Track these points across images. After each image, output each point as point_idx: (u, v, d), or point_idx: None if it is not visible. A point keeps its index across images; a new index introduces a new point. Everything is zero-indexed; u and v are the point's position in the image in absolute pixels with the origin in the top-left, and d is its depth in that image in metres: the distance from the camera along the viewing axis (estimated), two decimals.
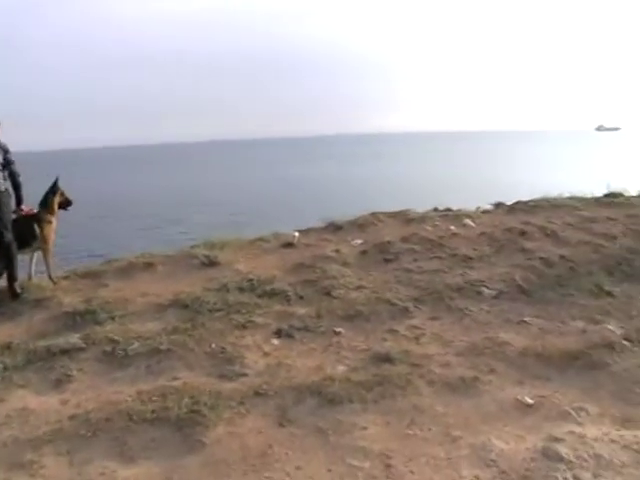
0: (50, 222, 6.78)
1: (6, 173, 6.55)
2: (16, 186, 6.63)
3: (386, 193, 36.38)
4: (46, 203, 6.82)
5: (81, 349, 5.08)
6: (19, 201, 6.70)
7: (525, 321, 5.37)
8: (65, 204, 6.99)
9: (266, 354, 4.88)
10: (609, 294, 5.90)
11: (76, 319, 5.71)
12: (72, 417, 4.09)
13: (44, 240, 6.70)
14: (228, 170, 74.91)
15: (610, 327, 5.13)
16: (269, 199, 38.72)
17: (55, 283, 6.69)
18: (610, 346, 4.76)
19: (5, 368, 4.85)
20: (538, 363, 4.63)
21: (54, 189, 6.92)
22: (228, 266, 6.83)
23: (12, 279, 6.43)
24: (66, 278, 6.88)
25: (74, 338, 5.21)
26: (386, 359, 4.62)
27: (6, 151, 6.56)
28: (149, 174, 74.77)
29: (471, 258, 6.77)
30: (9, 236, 6.40)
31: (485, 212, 9.03)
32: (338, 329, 5.23)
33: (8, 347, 5.22)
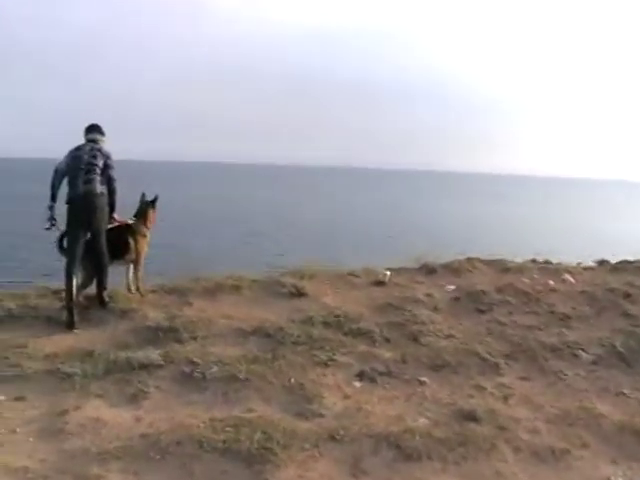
0: (145, 236, 6.93)
1: (104, 177, 6.61)
2: (111, 191, 6.68)
3: (488, 234, 35.71)
4: (143, 215, 6.98)
5: (160, 366, 5.09)
6: (112, 207, 6.74)
7: (624, 393, 5.00)
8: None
9: (346, 396, 4.73)
10: None
11: (158, 335, 5.74)
12: (143, 436, 4.08)
13: (138, 253, 6.82)
14: (330, 196, 75.53)
15: None
16: (367, 229, 38.62)
17: (143, 295, 6.79)
18: None
19: (85, 375, 4.92)
20: (636, 442, 4.29)
21: (154, 203, 7.09)
22: (315, 298, 6.73)
23: (101, 287, 6.51)
24: (153, 292, 6.96)
25: (154, 354, 5.22)
26: (471, 417, 4.39)
27: (107, 157, 6.66)
28: (249, 192, 76.31)
29: (569, 317, 6.40)
30: (102, 242, 6.48)
31: (587, 268, 8.56)
32: (423, 378, 5.03)
33: (90, 355, 5.30)
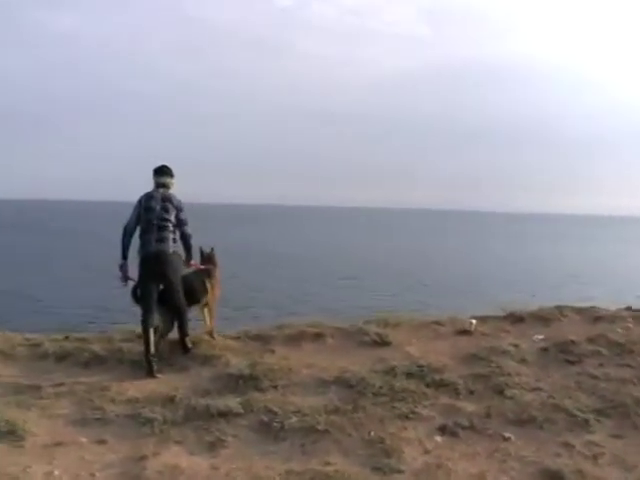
0: (217, 279, 7.16)
1: (177, 234, 6.61)
2: (187, 248, 6.76)
3: (577, 279, 34.50)
4: (212, 261, 7.21)
5: (239, 414, 5.17)
6: (188, 257, 6.84)
7: None
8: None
9: (426, 451, 4.63)
10: None
11: (239, 382, 5.84)
12: None
13: (213, 296, 7.04)
14: (417, 238, 75.11)
15: None
16: (457, 275, 38.03)
17: (214, 339, 6.96)
18: None
19: (164, 421, 5.07)
20: None
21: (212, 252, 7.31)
22: (399, 347, 6.67)
23: (183, 334, 6.62)
24: (237, 339, 7.10)
25: (234, 402, 5.31)
26: (557, 477, 4.20)
27: (179, 209, 6.60)
28: (345, 236, 76.80)
29: None
30: (178, 293, 6.56)
31: None
32: (507, 434, 4.85)
33: (171, 400, 5.46)
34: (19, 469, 4.40)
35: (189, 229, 6.69)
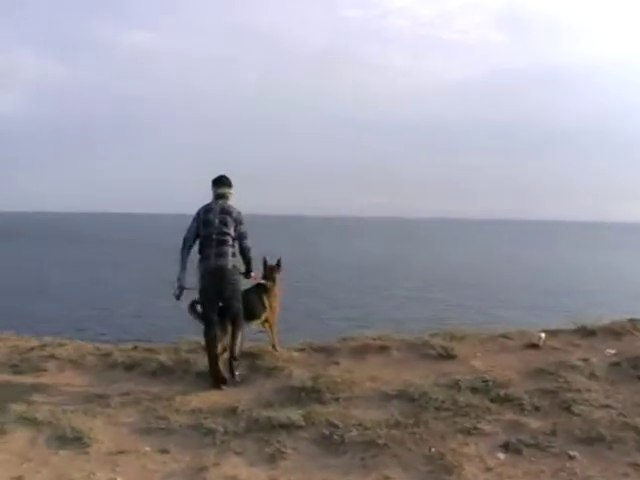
0: (276, 294, 7.15)
1: (236, 247, 6.52)
2: (247, 261, 6.66)
3: None
4: (272, 276, 7.17)
5: (300, 427, 5.21)
6: (248, 271, 6.75)
7: None
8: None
9: (488, 469, 4.54)
10: None
11: (301, 395, 5.89)
12: None
13: (272, 312, 7.08)
14: (489, 249, 73.88)
15: None
16: (530, 287, 37.26)
17: (277, 351, 6.99)
18: None
19: (226, 432, 5.16)
20: None
21: (279, 265, 7.27)
22: (464, 361, 6.57)
23: (231, 355, 6.47)
24: (301, 350, 7.13)
25: (296, 414, 5.35)
26: None
27: (239, 222, 6.49)
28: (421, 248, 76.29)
29: None
30: (237, 310, 6.50)
31: None
32: (573, 452, 4.69)
33: (233, 411, 5.56)
34: (83, 475, 4.62)
35: (249, 242, 6.60)
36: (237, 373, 6.45)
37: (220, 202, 6.59)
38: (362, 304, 30.05)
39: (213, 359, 6.33)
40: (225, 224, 6.45)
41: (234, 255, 6.51)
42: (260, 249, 6.90)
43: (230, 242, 6.46)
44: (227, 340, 6.58)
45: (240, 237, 6.53)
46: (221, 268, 6.40)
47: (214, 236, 6.40)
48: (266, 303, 7.02)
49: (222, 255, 6.41)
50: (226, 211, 6.51)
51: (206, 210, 6.56)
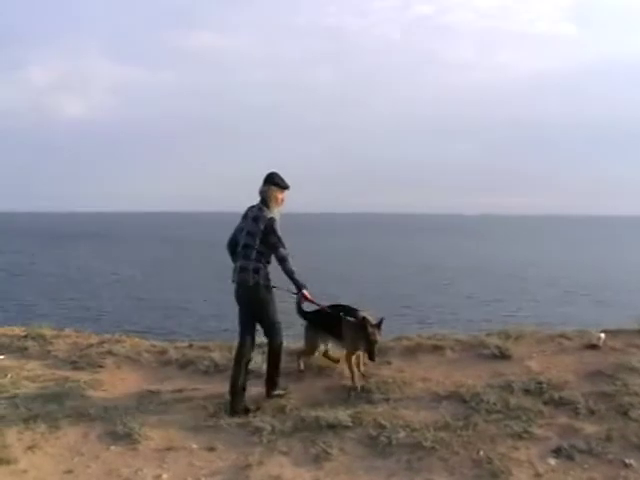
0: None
1: (265, 260, 5.86)
2: (287, 275, 5.81)
3: None
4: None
5: (347, 427, 5.19)
6: (298, 289, 5.92)
7: None
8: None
9: (537, 474, 4.43)
10: None
11: (350, 394, 5.86)
12: None
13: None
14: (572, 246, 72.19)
15: None
16: (598, 284, 36.20)
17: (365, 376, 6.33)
18: None
19: (273, 431, 5.17)
20: None
21: (379, 326, 6.10)
22: (519, 361, 6.38)
23: (269, 380, 6.06)
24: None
25: (344, 414, 5.33)
26: None
27: (266, 232, 5.79)
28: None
29: None
30: (272, 331, 5.96)
31: None
32: (629, 460, 4.50)
33: (282, 410, 5.59)
34: (131, 471, 4.75)
35: (283, 251, 5.77)
36: (275, 393, 6.01)
37: (257, 205, 5.95)
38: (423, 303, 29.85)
39: (233, 385, 5.86)
40: (252, 234, 5.84)
41: (257, 271, 5.82)
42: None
43: (254, 256, 5.80)
44: (308, 348, 6.54)
45: (272, 248, 5.79)
46: (241, 284, 5.91)
47: (239, 248, 5.91)
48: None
49: (243, 270, 5.85)
50: (257, 217, 5.84)
51: (245, 214, 6.04)
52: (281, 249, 5.77)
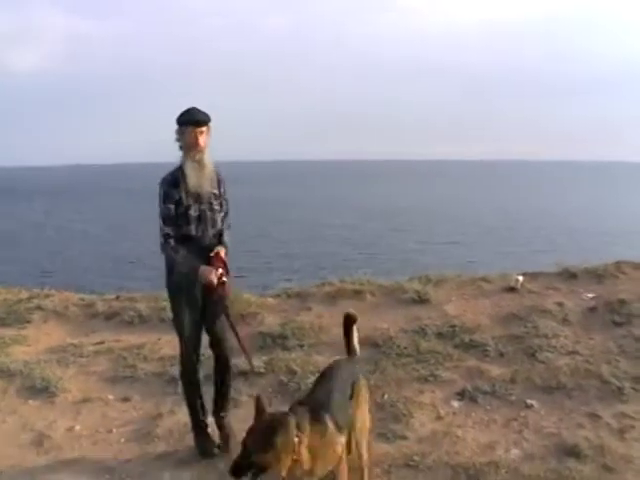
0: None
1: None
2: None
3: None
4: None
5: (260, 374, 5.12)
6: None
7: None
8: None
9: (439, 417, 4.42)
10: None
11: (267, 341, 5.79)
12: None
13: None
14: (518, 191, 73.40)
15: None
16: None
17: None
18: None
19: None
20: None
21: None
22: (437, 306, 6.36)
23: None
24: (276, 297, 6.96)
25: (258, 361, 5.22)
26: (573, 453, 3.87)
27: (226, 200, 4.21)
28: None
29: None
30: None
31: None
32: (531, 401, 4.53)
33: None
34: (45, 424, 4.67)
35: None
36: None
37: None
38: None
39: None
40: None
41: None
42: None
43: None
44: None
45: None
46: None
47: None
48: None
49: None
50: None
51: None
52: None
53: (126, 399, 5.03)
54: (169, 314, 6.39)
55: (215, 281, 3.90)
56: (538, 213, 46.45)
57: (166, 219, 3.94)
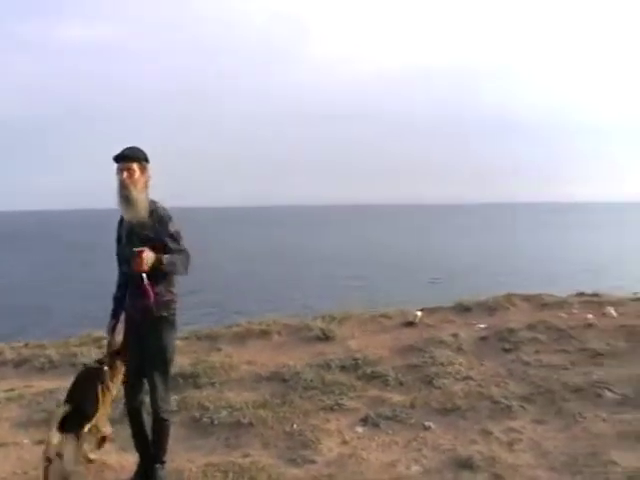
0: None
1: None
2: None
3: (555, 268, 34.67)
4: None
5: (173, 412, 5.13)
6: None
7: None
8: None
9: (344, 442, 4.64)
10: None
11: (179, 381, 5.86)
12: None
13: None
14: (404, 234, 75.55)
15: None
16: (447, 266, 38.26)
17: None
18: None
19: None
20: None
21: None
22: (341, 342, 6.69)
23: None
24: (185, 339, 7.09)
25: (171, 400, 5.30)
26: (467, 465, 4.17)
27: (172, 237, 3.85)
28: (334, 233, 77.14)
29: (601, 354, 5.97)
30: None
31: (636, 300, 8.01)
32: (428, 423, 4.84)
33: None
34: None
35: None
36: None
37: None
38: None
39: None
40: None
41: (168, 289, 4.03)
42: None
43: None
44: None
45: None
46: None
47: None
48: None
49: None
50: None
51: None
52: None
53: (42, 442, 4.93)
54: (81, 359, 6.44)
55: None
56: (438, 253, 48.12)
57: (118, 258, 4.00)
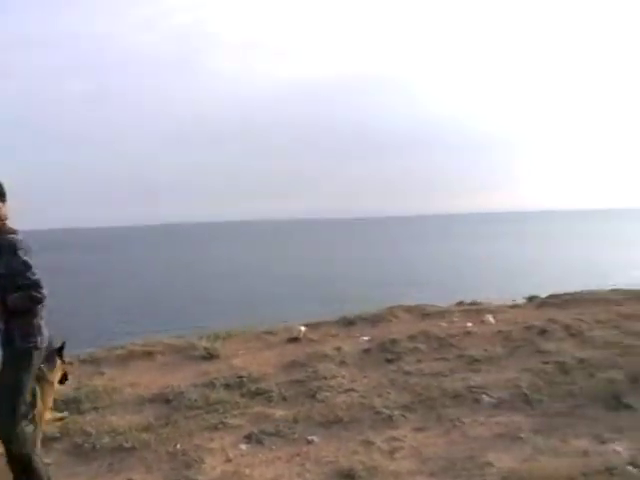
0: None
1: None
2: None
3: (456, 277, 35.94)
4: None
5: (55, 439, 5.00)
6: None
7: (521, 437, 4.79)
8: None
9: (228, 460, 4.59)
10: (627, 407, 5.22)
11: (60, 407, 5.60)
12: None
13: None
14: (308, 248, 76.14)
15: (617, 448, 4.51)
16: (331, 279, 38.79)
17: None
18: (609, 472, 4.15)
19: None
20: None
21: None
22: (225, 360, 6.63)
23: None
24: (69, 364, 6.80)
25: (52, 427, 5.08)
26: (349, 476, 4.21)
27: (17, 270, 3.62)
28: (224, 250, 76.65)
29: (478, 360, 6.25)
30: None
31: (514, 306, 8.45)
32: (311, 437, 4.86)
33: None
34: None
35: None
36: None
37: None
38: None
39: None
40: None
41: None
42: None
43: None
44: None
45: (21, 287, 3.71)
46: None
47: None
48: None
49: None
50: None
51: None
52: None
53: None
54: None
55: None
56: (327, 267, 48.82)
57: None
